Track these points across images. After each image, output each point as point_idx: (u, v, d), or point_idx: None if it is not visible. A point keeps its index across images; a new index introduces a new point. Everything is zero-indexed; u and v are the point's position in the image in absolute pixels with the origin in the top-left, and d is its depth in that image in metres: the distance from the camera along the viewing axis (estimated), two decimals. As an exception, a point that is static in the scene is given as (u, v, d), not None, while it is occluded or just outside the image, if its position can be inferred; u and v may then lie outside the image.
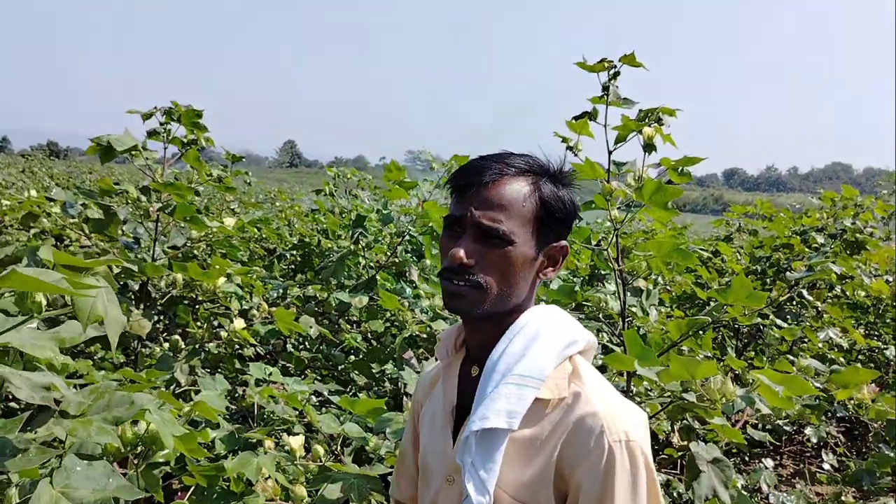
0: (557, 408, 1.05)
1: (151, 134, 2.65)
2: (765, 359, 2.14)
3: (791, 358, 2.58)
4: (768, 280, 4.42)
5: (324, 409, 2.62)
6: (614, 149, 2.12)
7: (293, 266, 4.68)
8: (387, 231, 3.40)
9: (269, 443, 1.80)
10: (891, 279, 5.36)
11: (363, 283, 3.24)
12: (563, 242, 1.13)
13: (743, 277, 1.77)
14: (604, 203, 1.98)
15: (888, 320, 5.31)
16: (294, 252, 4.51)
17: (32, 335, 1.12)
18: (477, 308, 1.07)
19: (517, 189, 1.06)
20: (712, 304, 1.90)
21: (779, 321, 2.60)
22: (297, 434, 1.90)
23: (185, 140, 2.74)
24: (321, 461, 1.75)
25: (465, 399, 1.15)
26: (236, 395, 2.76)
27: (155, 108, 2.74)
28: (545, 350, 1.07)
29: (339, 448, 2.01)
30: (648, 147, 1.91)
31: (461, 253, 1.04)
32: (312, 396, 2.84)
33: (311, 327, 2.75)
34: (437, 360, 1.33)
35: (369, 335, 3.57)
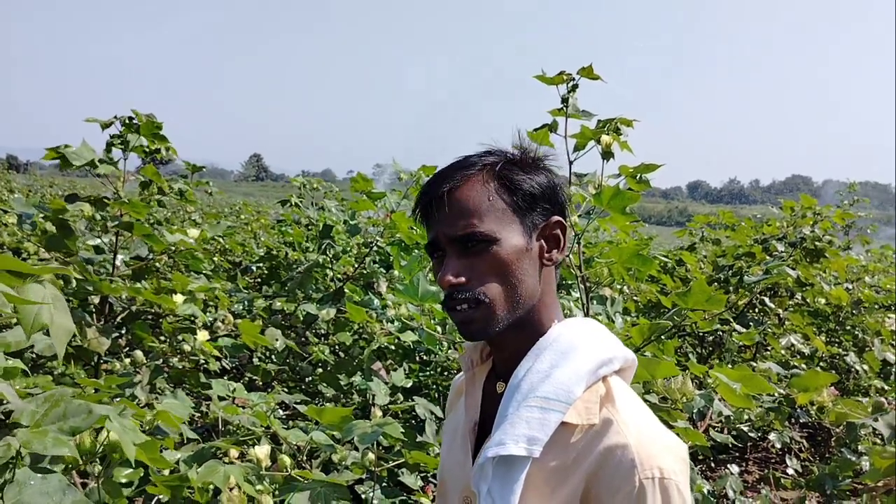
0: (585, 434, 0.94)
1: (110, 146, 2.61)
2: (726, 365, 2.18)
3: (752, 364, 2.62)
4: (731, 288, 4.49)
5: (290, 424, 2.59)
6: (574, 159, 2.15)
7: (259, 279, 4.64)
8: (354, 242, 3.38)
9: (234, 452, 1.77)
10: (850, 286, 5.50)
11: (330, 295, 3.22)
12: (555, 218, 1.03)
13: (703, 282, 1.80)
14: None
15: (848, 327, 5.43)
16: (261, 265, 4.47)
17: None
18: (490, 326, 0.98)
19: (479, 187, 0.99)
20: (674, 309, 1.92)
21: (738, 327, 2.64)
22: (263, 445, 1.87)
23: (146, 150, 2.70)
24: (287, 471, 1.73)
25: (488, 415, 1.06)
26: (200, 410, 2.72)
27: (115, 117, 2.70)
28: (575, 369, 0.97)
29: (305, 459, 1.99)
30: (606, 154, 1.94)
31: (449, 275, 0.98)
32: (279, 409, 2.81)
33: (276, 340, 2.72)
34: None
35: (337, 347, 3.55)
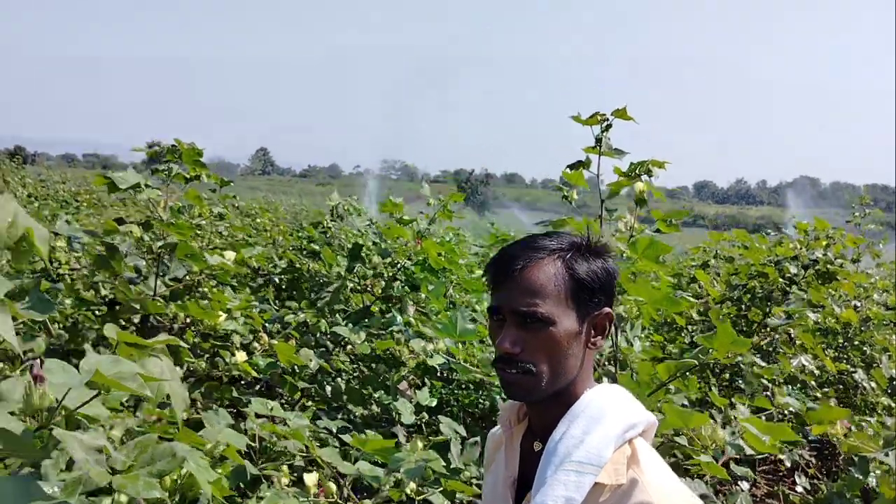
0: (614, 494, 1.06)
1: (154, 171, 2.72)
2: (747, 398, 2.29)
3: (768, 395, 2.72)
4: (743, 307, 4.58)
5: (322, 438, 2.69)
6: (607, 197, 2.25)
7: (282, 288, 4.74)
8: (381, 261, 3.49)
9: (284, 479, 1.88)
10: (859, 304, 5.58)
11: (359, 314, 3.33)
12: (606, 310, 1.16)
13: (728, 326, 1.90)
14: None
15: (856, 343, 5.51)
16: (283, 276, 4.57)
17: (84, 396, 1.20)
18: (532, 394, 1.12)
19: (548, 271, 1.12)
20: (698, 348, 2.02)
21: (759, 361, 2.74)
22: (311, 471, 1.98)
23: (187, 177, 2.82)
24: (334, 497, 1.84)
25: (526, 472, 1.19)
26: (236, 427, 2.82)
27: (158, 145, 2.83)
28: (605, 434, 1.09)
29: (346, 483, 2.10)
30: (640, 202, 2.04)
31: (507, 343, 1.10)
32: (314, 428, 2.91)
33: (311, 360, 2.83)
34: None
35: (360, 361, 3.65)
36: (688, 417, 1.49)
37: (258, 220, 8.20)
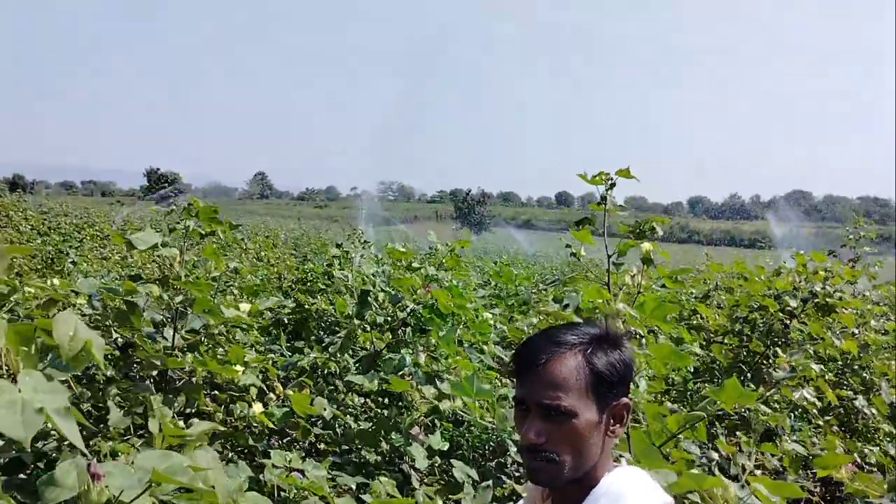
0: None
1: (172, 230, 2.81)
2: (754, 443, 2.36)
3: (776, 442, 2.79)
4: (745, 338, 4.66)
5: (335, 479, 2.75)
6: (613, 253, 2.33)
7: (289, 328, 4.80)
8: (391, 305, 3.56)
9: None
10: (857, 331, 5.66)
11: (368, 357, 3.40)
12: (625, 400, 1.27)
13: (735, 380, 1.98)
14: (604, 306, 2.18)
15: (855, 367, 5.59)
16: (291, 316, 4.63)
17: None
18: (556, 480, 1.22)
19: (570, 365, 1.21)
20: (706, 399, 2.09)
21: (764, 408, 2.82)
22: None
23: (203, 233, 2.90)
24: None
25: None
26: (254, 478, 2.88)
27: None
28: None
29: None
30: (647, 261, 2.13)
31: (532, 434, 1.20)
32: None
33: (325, 409, 2.89)
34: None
35: (372, 403, 3.71)
36: (702, 480, 1.56)
37: (263, 254, 8.27)
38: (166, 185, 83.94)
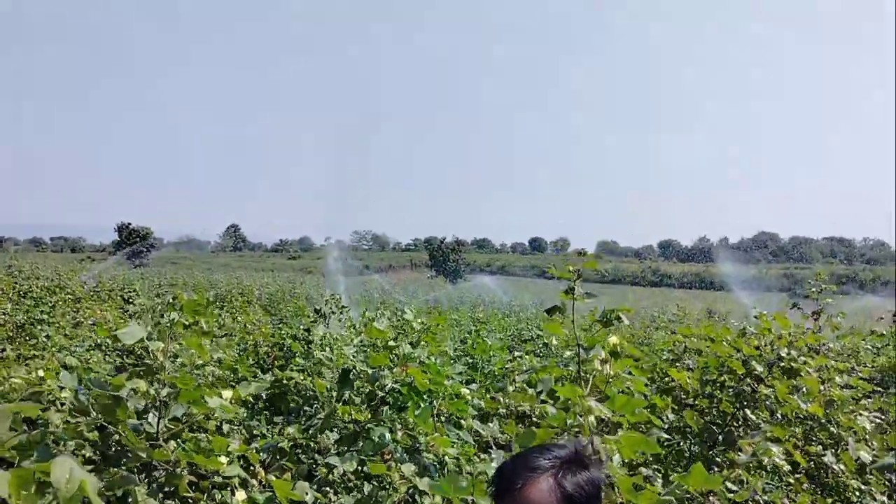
0: None
1: (157, 325, 2.88)
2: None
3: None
4: (716, 400, 4.79)
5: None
6: (583, 345, 2.46)
7: (268, 403, 4.84)
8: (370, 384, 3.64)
9: None
10: (822, 387, 5.83)
11: (348, 437, 3.46)
12: None
13: (700, 467, 2.10)
14: (577, 400, 2.29)
15: (823, 421, 5.74)
16: (269, 390, 4.68)
17: None
18: None
19: (543, 489, 1.35)
20: (675, 484, 2.20)
21: (732, 486, 2.93)
22: None
23: (186, 323, 2.98)
24: None
25: None
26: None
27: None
28: None
29: None
30: (614, 354, 2.26)
31: None
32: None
33: (307, 493, 2.94)
34: None
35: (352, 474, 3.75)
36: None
37: (240, 319, 8.29)
38: (138, 239, 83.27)
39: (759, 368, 4.32)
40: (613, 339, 2.26)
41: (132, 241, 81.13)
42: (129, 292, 18.77)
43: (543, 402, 2.56)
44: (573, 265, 2.55)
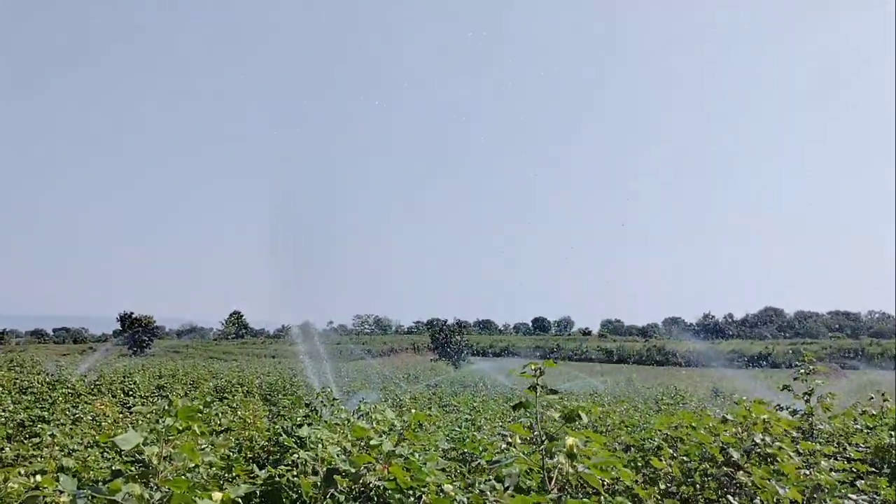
0: None
1: (152, 431, 3.09)
2: None
3: None
4: (698, 487, 4.90)
5: None
6: (546, 446, 2.66)
7: (263, 498, 4.95)
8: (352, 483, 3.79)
9: None
10: (808, 472, 5.90)
11: (336, 535, 3.59)
12: None
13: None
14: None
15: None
16: (263, 487, 4.80)
17: None
18: None
19: None
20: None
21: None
22: None
23: (180, 428, 3.18)
24: None
25: None
26: None
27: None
28: None
29: None
30: (571, 456, 2.45)
31: None
32: None
33: None
34: None
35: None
36: None
37: (239, 414, 8.42)
38: (140, 328, 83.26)
39: (736, 455, 4.46)
40: (570, 441, 2.46)
41: (134, 329, 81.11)
42: (130, 384, 18.87)
43: (511, 495, 2.73)
44: (534, 364, 2.78)
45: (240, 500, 4.11)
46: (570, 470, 2.52)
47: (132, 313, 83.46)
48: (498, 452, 5.22)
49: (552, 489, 2.56)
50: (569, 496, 2.50)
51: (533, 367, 2.78)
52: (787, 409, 10.13)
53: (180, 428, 3.19)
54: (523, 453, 2.73)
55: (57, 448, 6.71)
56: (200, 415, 3.57)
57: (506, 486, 2.64)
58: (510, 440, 2.71)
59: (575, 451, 2.44)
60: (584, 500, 2.40)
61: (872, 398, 9.75)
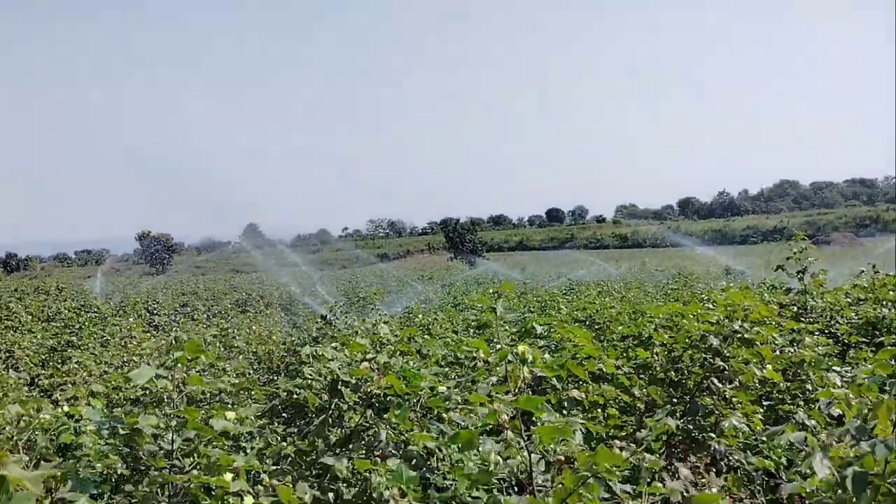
0: None
1: (165, 367, 3.40)
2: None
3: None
4: (684, 373, 5.24)
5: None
6: (500, 353, 2.92)
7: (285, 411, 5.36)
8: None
9: None
10: (792, 349, 6.22)
11: (342, 440, 3.96)
12: None
13: (604, 448, 2.54)
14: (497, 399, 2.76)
15: (802, 377, 6.15)
16: (285, 402, 5.19)
17: None
18: None
19: None
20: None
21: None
22: None
23: (189, 358, 3.49)
24: None
25: None
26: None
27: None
28: None
29: None
30: (523, 360, 2.72)
31: None
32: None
33: (306, 494, 3.45)
34: None
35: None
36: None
37: (254, 328, 8.84)
38: (159, 246, 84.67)
39: (716, 342, 4.73)
40: (521, 348, 2.73)
41: (154, 248, 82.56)
42: (153, 304, 19.57)
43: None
44: (495, 289, 3.00)
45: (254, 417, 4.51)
46: (526, 375, 2.79)
47: (150, 232, 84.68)
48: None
49: (512, 391, 2.84)
50: (531, 392, 2.78)
51: (492, 292, 3.00)
52: (780, 288, 10.41)
53: (190, 358, 3.49)
54: (485, 361, 3.03)
55: (86, 373, 7.16)
56: (215, 338, 3.87)
57: (486, 392, 2.92)
58: (475, 354, 2.98)
59: (527, 356, 2.70)
60: (540, 396, 2.67)
61: (863, 271, 9.96)
